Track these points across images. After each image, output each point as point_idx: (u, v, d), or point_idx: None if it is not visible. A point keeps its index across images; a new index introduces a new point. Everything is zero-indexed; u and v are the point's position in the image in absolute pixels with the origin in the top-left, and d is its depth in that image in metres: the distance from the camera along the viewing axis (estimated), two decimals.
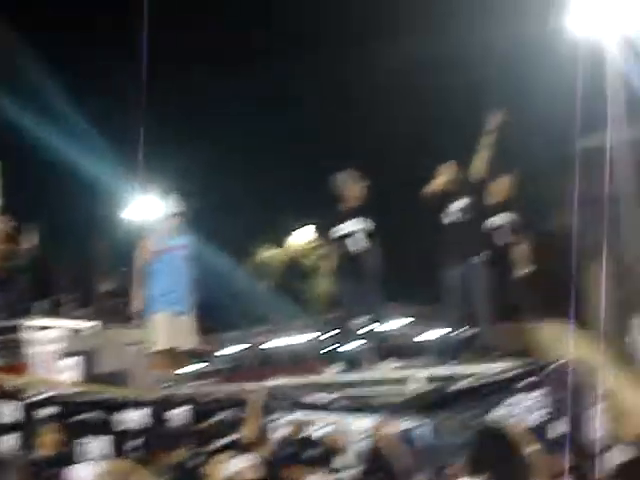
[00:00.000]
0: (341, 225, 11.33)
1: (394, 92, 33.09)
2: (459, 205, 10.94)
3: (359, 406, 10.03)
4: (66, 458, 8.97)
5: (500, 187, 11.56)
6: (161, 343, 11.73)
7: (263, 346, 33.43)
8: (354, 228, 11.29)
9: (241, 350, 33.67)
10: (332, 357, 11.45)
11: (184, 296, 11.92)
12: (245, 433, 9.38)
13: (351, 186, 11.44)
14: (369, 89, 34.62)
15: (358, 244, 11.25)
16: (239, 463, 7.10)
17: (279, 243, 40.15)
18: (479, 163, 11.09)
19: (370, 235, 11.38)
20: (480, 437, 7.41)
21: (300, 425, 9.72)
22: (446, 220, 10.97)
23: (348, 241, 11.30)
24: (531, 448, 7.96)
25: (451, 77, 29.77)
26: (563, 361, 9.29)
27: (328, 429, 9.58)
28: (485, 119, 11.08)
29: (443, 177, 10.92)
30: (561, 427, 8.91)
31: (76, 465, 7.52)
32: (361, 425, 9.82)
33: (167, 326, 11.64)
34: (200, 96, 37.42)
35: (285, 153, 37.50)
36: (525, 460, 6.88)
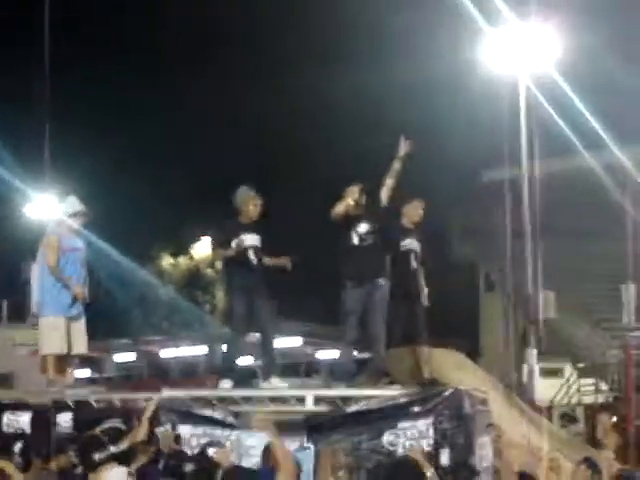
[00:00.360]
0: (237, 238, 11.30)
1: (309, 115, 33.31)
2: (364, 228, 10.99)
3: (249, 423, 9.93)
4: None
5: (411, 212, 11.65)
6: (52, 346, 11.50)
7: (155, 356, 33.07)
8: (249, 243, 11.28)
9: (133, 359, 33.25)
10: (224, 371, 11.34)
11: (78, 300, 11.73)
12: (130, 443, 9.21)
13: (248, 201, 11.42)
14: (282, 109, 34.72)
15: (252, 258, 11.24)
16: (121, 474, 6.95)
17: (183, 251, 39.84)
18: (386, 188, 11.16)
19: (263, 250, 11.38)
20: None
21: (180, 438, 9.62)
22: (350, 242, 11.00)
23: (242, 254, 11.28)
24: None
25: (364, 108, 30.04)
26: (454, 390, 9.35)
27: (214, 444, 9.46)
28: (395, 147, 11.16)
29: (349, 199, 10.96)
30: (448, 455, 8.97)
31: None
32: (249, 442, 9.74)
33: (60, 329, 11.43)
34: (111, 99, 37.07)
35: (193, 162, 37.33)
36: None
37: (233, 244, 11.26)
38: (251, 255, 11.26)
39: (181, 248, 39.70)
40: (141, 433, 9.37)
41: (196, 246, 39.35)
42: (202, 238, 38.72)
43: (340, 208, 10.95)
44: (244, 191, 11.48)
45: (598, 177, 24.51)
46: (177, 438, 9.62)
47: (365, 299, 10.87)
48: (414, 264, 11.58)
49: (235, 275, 11.52)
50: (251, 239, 11.33)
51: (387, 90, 29.04)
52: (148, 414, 9.63)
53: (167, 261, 39.13)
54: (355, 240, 10.99)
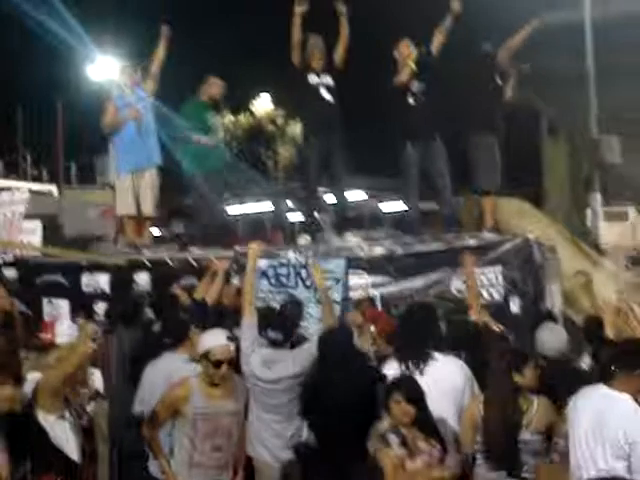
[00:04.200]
0: (309, 79, 11.19)
1: None
2: (418, 87, 10.91)
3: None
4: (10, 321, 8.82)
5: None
6: (126, 207, 11.76)
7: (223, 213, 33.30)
8: (322, 81, 11.19)
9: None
10: (294, 227, 11.47)
11: (152, 149, 11.91)
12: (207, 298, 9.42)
13: (313, 49, 11.29)
14: None
15: (327, 95, 11.17)
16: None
17: (243, 107, 39.67)
18: (437, 43, 11.02)
19: (335, 90, 11.29)
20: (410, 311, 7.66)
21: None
22: (405, 101, 10.92)
23: (319, 92, 11.20)
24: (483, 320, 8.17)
25: None
26: (523, 239, 9.43)
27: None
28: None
29: (410, 63, 10.84)
30: (518, 304, 9.11)
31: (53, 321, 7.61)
32: None
33: (129, 189, 11.65)
34: None
35: (247, 18, 36.92)
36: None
37: (308, 84, 11.17)
38: (324, 93, 11.20)
39: (241, 105, 39.51)
40: (214, 290, 9.56)
41: (256, 102, 39.20)
42: (262, 94, 38.62)
43: (404, 76, 10.84)
44: (312, 38, 11.35)
45: None
46: (238, 291, 9.82)
47: (424, 154, 10.89)
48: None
49: (313, 113, 11.30)
50: (319, 79, 11.23)
51: None
52: (223, 269, 9.80)
53: (228, 118, 39.08)
54: (410, 99, 10.94)
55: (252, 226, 29.46)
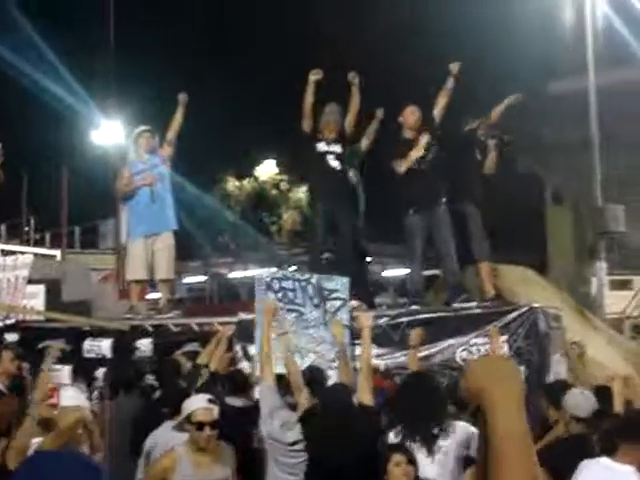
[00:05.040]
0: (318, 146, 11.18)
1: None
2: (419, 153, 10.82)
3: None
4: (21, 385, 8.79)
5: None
6: (137, 272, 11.71)
7: (224, 277, 33.31)
8: (330, 149, 11.18)
9: (202, 280, 33.53)
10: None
11: (167, 215, 11.86)
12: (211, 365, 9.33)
13: (331, 117, 11.30)
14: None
15: (335, 163, 11.15)
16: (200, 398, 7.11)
17: (248, 173, 39.81)
18: (440, 108, 11.01)
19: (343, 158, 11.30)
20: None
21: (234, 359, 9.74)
22: (411, 167, 10.83)
23: (326, 160, 11.18)
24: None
25: (416, 18, 29.44)
26: (529, 308, 9.33)
27: None
28: (446, 67, 10.99)
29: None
30: (523, 374, 8.96)
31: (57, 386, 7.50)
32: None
33: (145, 254, 11.60)
34: (168, 25, 37.03)
35: (252, 84, 37.19)
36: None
37: (318, 150, 11.14)
38: (331, 161, 11.18)
39: (245, 170, 39.67)
40: (218, 357, 9.44)
41: (260, 168, 39.37)
42: (265, 160, 38.78)
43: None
44: (333, 107, 11.38)
45: None
46: (232, 360, 9.69)
47: (428, 222, 10.76)
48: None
49: (318, 183, 11.43)
50: (327, 148, 11.21)
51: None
52: (226, 339, 9.67)
53: (232, 184, 39.21)
54: (413, 166, 10.82)
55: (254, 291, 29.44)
